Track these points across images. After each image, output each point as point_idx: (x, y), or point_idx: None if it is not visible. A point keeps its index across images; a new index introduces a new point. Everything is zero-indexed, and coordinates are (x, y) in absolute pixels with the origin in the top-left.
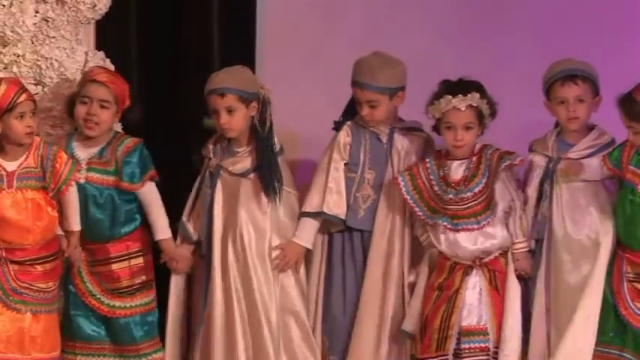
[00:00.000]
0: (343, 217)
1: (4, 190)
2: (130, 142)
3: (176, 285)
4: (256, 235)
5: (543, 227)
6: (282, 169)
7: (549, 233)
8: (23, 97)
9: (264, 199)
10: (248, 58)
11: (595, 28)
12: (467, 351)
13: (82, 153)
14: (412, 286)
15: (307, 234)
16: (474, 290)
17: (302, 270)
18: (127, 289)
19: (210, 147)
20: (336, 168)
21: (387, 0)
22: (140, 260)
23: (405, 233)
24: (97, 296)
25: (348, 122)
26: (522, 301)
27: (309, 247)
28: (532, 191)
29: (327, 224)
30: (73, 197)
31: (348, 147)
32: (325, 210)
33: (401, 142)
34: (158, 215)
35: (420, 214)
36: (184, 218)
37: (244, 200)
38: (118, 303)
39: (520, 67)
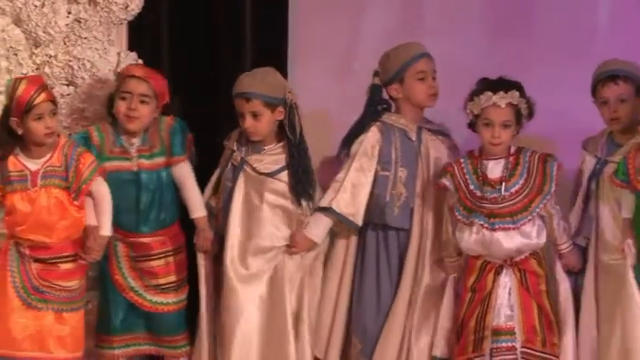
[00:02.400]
0: (352, 219)
1: (28, 188)
2: (168, 118)
3: (207, 280)
4: (279, 236)
5: (590, 227)
6: None
7: (596, 233)
8: (40, 98)
9: (289, 200)
10: (280, 59)
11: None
12: (495, 350)
13: (129, 143)
14: (430, 289)
15: (317, 228)
16: (504, 290)
17: (319, 273)
18: (167, 285)
19: (236, 139)
20: (357, 168)
21: (416, 2)
22: (179, 257)
23: (437, 234)
24: (139, 292)
25: (377, 122)
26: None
27: (317, 241)
28: (582, 190)
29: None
30: (103, 195)
31: (378, 146)
32: (334, 207)
33: (430, 141)
34: (195, 192)
35: (456, 213)
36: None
37: (269, 200)
38: (159, 299)
39: (546, 70)
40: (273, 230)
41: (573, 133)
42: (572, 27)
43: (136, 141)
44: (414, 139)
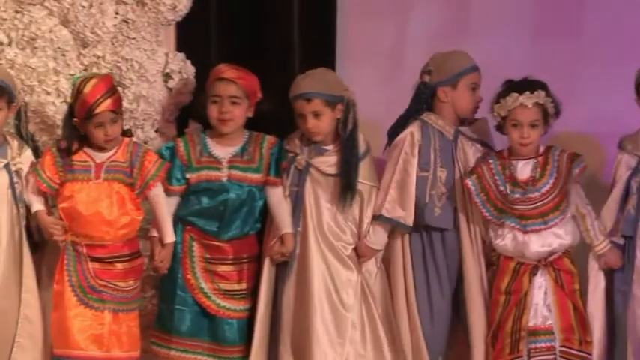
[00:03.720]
0: (404, 222)
1: (91, 180)
2: (271, 138)
3: (267, 290)
4: (343, 237)
5: (631, 225)
6: (369, 168)
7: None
8: (102, 107)
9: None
10: (328, 58)
11: None
12: (533, 351)
13: (221, 152)
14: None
15: (376, 237)
16: (539, 290)
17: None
18: (237, 292)
19: (297, 142)
20: (401, 170)
21: (462, 3)
22: (252, 266)
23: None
24: (208, 294)
25: (417, 120)
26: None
27: (379, 248)
28: (617, 188)
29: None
30: (160, 200)
31: (418, 145)
32: (384, 214)
33: (467, 146)
34: (286, 211)
35: (486, 214)
36: None
37: (334, 200)
38: (227, 304)
39: (593, 70)
40: (343, 230)
41: (621, 133)
42: (618, 26)
43: (232, 151)
44: (451, 139)
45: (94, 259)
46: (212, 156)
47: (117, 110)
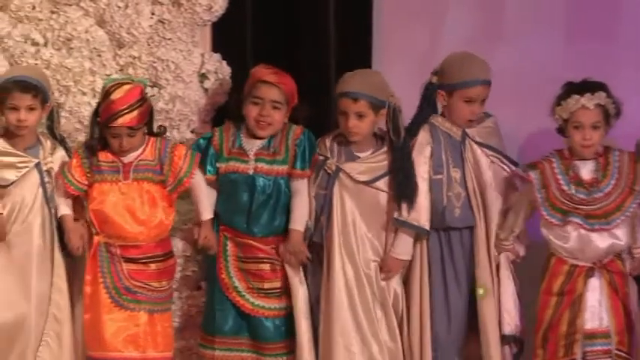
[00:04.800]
0: (417, 224)
1: (120, 181)
2: (297, 128)
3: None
4: (378, 244)
5: None
6: None
7: None
8: (119, 122)
9: (383, 206)
10: (364, 59)
11: None
12: (590, 354)
13: (249, 145)
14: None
15: (399, 246)
16: (594, 292)
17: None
18: (271, 290)
19: (327, 144)
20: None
21: (496, 6)
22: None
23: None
24: (242, 293)
25: (426, 124)
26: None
27: (405, 258)
28: None
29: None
30: (200, 185)
31: (429, 148)
32: (396, 216)
33: (477, 149)
34: (303, 206)
35: (544, 213)
36: None
37: (366, 208)
38: (262, 302)
39: (625, 73)
40: (370, 239)
41: None
42: None
43: (259, 143)
44: (459, 140)
45: (127, 260)
46: (242, 148)
47: (135, 127)
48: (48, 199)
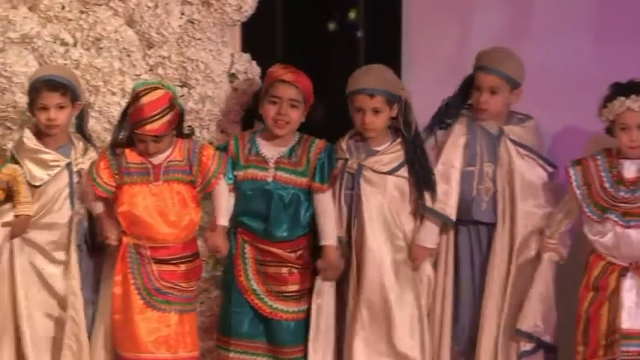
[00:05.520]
0: (443, 212)
1: (150, 182)
2: (320, 142)
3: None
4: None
5: None
6: None
7: None
8: (144, 129)
9: (407, 196)
10: (394, 60)
11: None
12: (625, 354)
13: (269, 152)
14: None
15: (425, 232)
16: (630, 293)
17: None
18: (289, 293)
19: (344, 147)
20: (444, 162)
21: (524, 6)
22: (307, 268)
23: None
24: (261, 296)
25: (463, 117)
26: None
27: (430, 246)
28: None
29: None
30: (222, 191)
31: (464, 138)
32: (420, 201)
33: (513, 149)
34: (331, 221)
35: (586, 210)
36: None
37: (393, 197)
38: (280, 306)
39: None
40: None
41: None
42: None
43: (280, 151)
44: (494, 134)
45: (157, 261)
46: (260, 155)
47: (161, 135)
48: (73, 200)
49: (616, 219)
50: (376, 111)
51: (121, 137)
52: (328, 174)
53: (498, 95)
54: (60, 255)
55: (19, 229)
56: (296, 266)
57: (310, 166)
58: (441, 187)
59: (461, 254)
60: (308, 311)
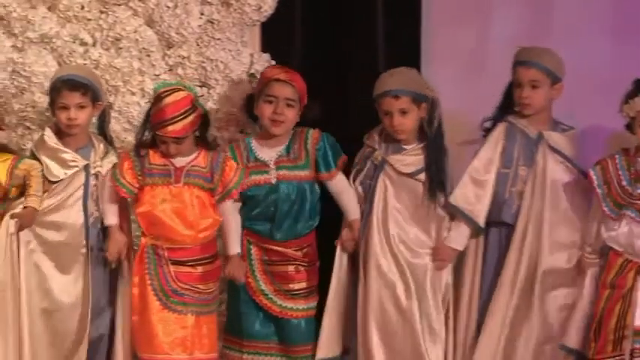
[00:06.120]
0: (470, 215)
1: (171, 184)
2: (315, 132)
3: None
4: (422, 238)
5: None
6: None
7: None
8: (165, 131)
9: (419, 199)
10: (413, 60)
11: None
12: (637, 351)
13: (267, 154)
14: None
15: (456, 233)
16: None
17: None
18: (298, 291)
19: (376, 137)
20: (478, 166)
21: (544, 6)
22: (313, 265)
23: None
24: (270, 296)
25: (503, 123)
26: None
27: (458, 247)
28: None
29: None
30: (232, 215)
31: (502, 144)
32: (451, 200)
33: (550, 155)
34: (352, 197)
35: (605, 208)
36: None
37: (409, 199)
38: (289, 304)
39: None
40: (415, 231)
41: None
42: None
43: (278, 151)
44: (534, 138)
45: (175, 263)
46: (258, 160)
47: (182, 137)
48: (86, 202)
49: (633, 215)
50: (403, 112)
51: (145, 138)
52: (334, 159)
53: (540, 89)
54: (67, 261)
55: (25, 220)
56: (302, 264)
57: (310, 158)
58: (474, 191)
59: (488, 255)
60: (317, 308)
